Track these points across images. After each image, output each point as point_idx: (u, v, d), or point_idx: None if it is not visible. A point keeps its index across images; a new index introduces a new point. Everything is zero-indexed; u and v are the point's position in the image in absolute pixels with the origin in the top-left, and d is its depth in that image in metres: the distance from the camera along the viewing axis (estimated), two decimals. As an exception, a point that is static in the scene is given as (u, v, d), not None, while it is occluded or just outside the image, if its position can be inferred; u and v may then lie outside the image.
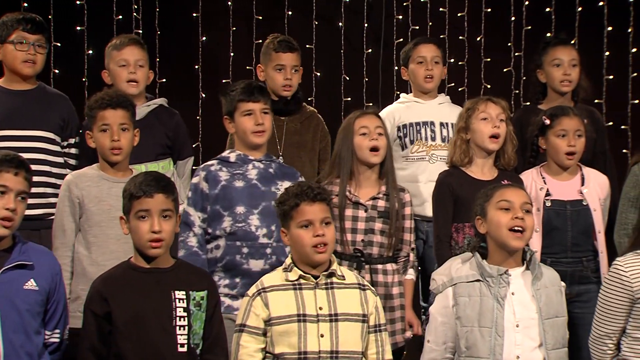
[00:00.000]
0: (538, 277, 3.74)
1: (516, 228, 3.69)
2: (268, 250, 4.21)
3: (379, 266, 4.34)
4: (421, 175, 4.92)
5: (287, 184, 4.25)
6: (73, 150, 4.80)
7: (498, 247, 3.74)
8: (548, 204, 4.38)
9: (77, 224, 4.23)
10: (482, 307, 3.68)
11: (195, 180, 4.29)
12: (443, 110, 5.08)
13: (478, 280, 3.71)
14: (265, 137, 4.33)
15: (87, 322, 3.54)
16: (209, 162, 4.34)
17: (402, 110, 5.18)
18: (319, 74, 6.68)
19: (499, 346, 3.64)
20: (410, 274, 4.44)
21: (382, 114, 5.23)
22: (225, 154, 4.36)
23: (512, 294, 3.70)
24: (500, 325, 3.66)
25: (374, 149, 4.36)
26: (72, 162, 4.77)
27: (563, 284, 3.86)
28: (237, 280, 4.20)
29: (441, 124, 5.04)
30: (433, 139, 5.03)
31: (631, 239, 3.94)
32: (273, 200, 4.20)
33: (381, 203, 4.37)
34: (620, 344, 3.77)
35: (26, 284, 3.58)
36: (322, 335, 3.54)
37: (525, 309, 3.70)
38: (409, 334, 4.41)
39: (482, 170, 4.49)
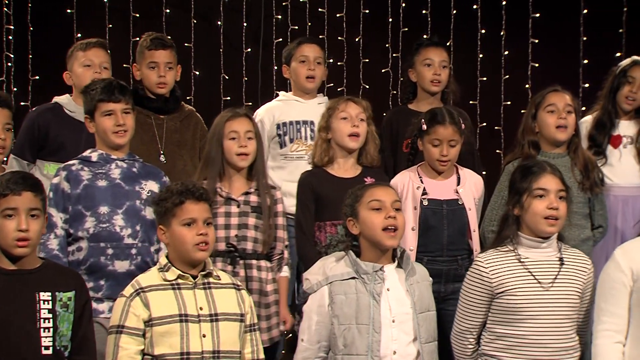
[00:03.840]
0: (411, 273, 3.80)
1: (390, 227, 3.73)
2: (133, 251, 4.15)
3: (254, 261, 4.31)
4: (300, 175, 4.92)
5: (151, 183, 4.24)
6: None
7: (371, 246, 3.77)
8: (425, 203, 4.44)
9: None
10: (359, 304, 3.70)
11: (56, 180, 4.18)
12: (322, 111, 5.10)
13: (353, 278, 3.73)
14: (127, 137, 4.25)
15: None
16: (70, 162, 4.24)
17: (282, 107, 5.19)
18: (197, 72, 6.64)
19: (376, 342, 3.68)
20: (285, 272, 4.43)
21: (261, 110, 5.24)
22: (86, 153, 4.25)
23: (388, 290, 3.74)
24: (377, 322, 3.69)
25: (243, 154, 4.33)
26: None
27: (431, 279, 3.94)
28: (102, 282, 4.12)
29: None
30: (312, 138, 5.05)
31: (493, 236, 4.03)
32: (137, 199, 4.18)
33: (253, 198, 4.35)
34: (480, 339, 3.85)
35: None
36: (204, 336, 3.51)
37: (401, 304, 3.75)
38: (283, 327, 4.42)
39: (344, 168, 4.54)
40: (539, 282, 3.74)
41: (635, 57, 5.10)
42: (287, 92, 5.37)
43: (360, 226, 3.77)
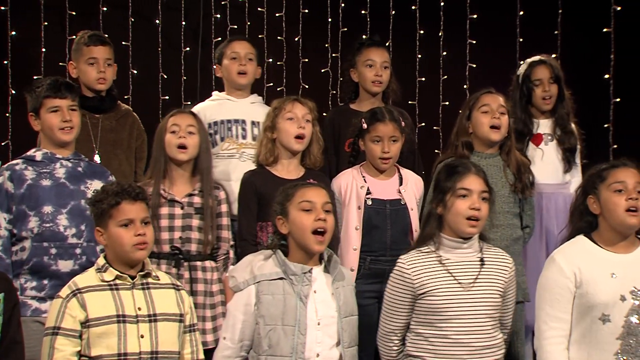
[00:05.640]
0: (339, 277, 3.80)
1: (319, 230, 3.72)
2: (77, 251, 4.12)
3: (198, 263, 4.30)
4: (232, 174, 4.87)
5: (96, 182, 4.21)
6: None
7: (300, 247, 3.76)
8: (369, 202, 4.46)
9: None
10: (285, 305, 3.69)
11: None
12: (255, 110, 5.06)
13: (281, 278, 3.72)
14: (73, 134, 4.23)
15: None
16: (14, 161, 4.21)
17: (213, 107, 5.14)
18: (135, 71, 6.56)
19: (301, 344, 3.67)
20: None
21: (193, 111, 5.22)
22: (30, 152, 4.22)
23: (315, 292, 3.74)
24: (303, 324, 3.68)
25: (181, 147, 4.32)
26: None
27: (354, 283, 3.96)
28: (45, 282, 4.08)
29: (252, 123, 5.01)
30: (244, 137, 5.03)
31: (416, 237, 4.05)
32: (82, 199, 4.14)
33: (197, 200, 4.33)
34: (405, 340, 3.86)
35: None
36: (142, 336, 3.50)
37: (327, 307, 3.74)
38: None
39: (287, 169, 4.53)
40: (459, 283, 3.77)
41: (529, 60, 5.21)
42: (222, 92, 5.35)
43: (289, 226, 3.75)
